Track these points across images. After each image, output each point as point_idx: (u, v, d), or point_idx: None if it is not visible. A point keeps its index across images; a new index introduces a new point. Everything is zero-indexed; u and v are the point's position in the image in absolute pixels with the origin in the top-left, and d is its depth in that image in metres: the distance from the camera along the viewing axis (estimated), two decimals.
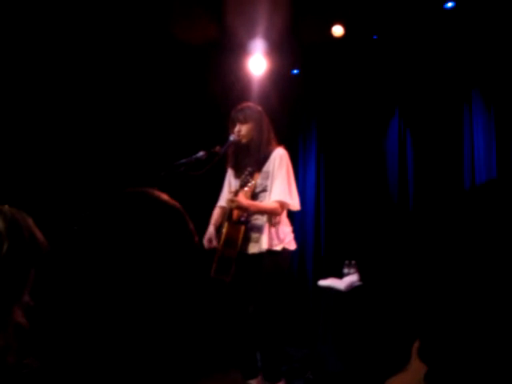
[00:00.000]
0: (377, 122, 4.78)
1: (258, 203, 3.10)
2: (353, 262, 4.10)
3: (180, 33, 4.21)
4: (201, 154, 3.04)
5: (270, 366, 3.16)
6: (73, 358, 0.82)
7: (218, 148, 3.14)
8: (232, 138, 3.23)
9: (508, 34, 3.98)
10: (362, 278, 4.00)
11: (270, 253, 3.13)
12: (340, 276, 4.06)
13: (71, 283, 0.89)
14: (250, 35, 4.55)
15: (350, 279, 4.02)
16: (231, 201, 3.00)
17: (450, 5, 4.18)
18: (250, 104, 3.33)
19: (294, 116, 5.22)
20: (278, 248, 3.15)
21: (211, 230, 3.32)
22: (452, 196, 4.28)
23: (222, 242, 3.12)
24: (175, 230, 0.89)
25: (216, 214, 3.41)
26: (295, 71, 5.16)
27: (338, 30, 4.52)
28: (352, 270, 4.08)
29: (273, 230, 3.15)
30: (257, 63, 4.81)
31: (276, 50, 4.73)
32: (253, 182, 3.00)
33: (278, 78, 4.99)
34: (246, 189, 3.03)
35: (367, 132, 4.82)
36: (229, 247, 3.09)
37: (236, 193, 3.02)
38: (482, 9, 4.08)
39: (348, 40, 4.62)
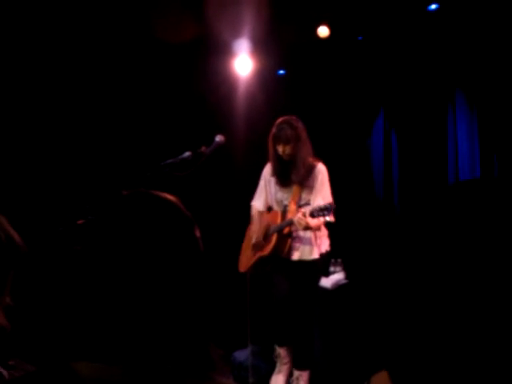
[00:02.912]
0: (362, 122, 4.82)
1: (317, 222, 3.32)
2: (339, 260, 4.14)
3: (164, 33, 4.21)
4: (187, 154, 3.03)
5: (302, 354, 3.53)
6: (73, 358, 0.83)
7: (203, 148, 3.15)
8: (218, 138, 3.24)
9: (491, 35, 4.04)
10: (348, 276, 4.05)
11: (315, 261, 3.48)
12: (326, 274, 4.09)
13: (73, 280, 0.90)
14: (236, 35, 4.56)
15: (336, 277, 4.05)
16: (300, 223, 3.23)
17: (433, 7, 4.23)
18: (291, 120, 3.48)
19: (280, 116, 5.23)
20: (323, 251, 3.52)
21: (257, 227, 3.61)
22: (436, 194, 4.33)
23: (270, 249, 3.45)
24: (181, 236, 0.89)
25: (256, 214, 3.67)
26: (281, 71, 5.18)
27: (323, 31, 4.55)
28: (338, 269, 4.12)
29: (317, 239, 3.48)
30: (243, 63, 4.81)
31: (262, 50, 4.74)
32: (327, 219, 3.17)
33: (264, 78, 5.01)
34: (302, 210, 3.27)
35: (353, 132, 4.86)
36: (274, 255, 3.46)
37: (304, 215, 3.22)
38: (465, 11, 4.13)
39: (333, 41, 4.65)
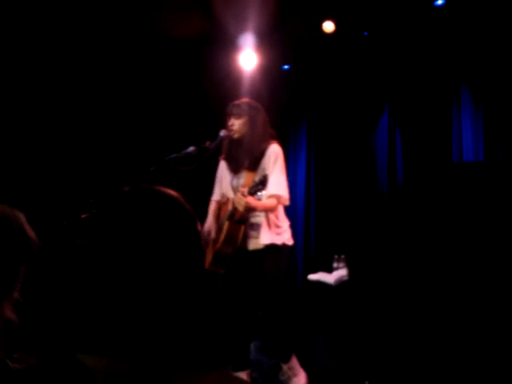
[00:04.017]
0: (367, 118, 4.81)
1: (264, 202, 3.09)
2: (342, 256, 4.13)
3: (169, 28, 4.20)
4: (191, 149, 3.03)
5: (282, 348, 3.30)
6: (71, 352, 0.83)
7: (208, 143, 3.14)
8: (222, 133, 3.24)
9: (496, 30, 4.02)
10: (350, 274, 4.02)
11: (270, 249, 3.19)
12: (329, 270, 4.08)
13: (73, 277, 0.90)
14: (241, 30, 4.55)
15: (340, 273, 4.05)
16: (239, 202, 3.00)
17: (440, 2, 4.21)
18: (247, 99, 3.33)
19: (285, 111, 5.23)
20: (278, 242, 3.21)
21: (211, 221, 3.38)
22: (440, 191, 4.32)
23: (222, 239, 3.17)
24: (182, 231, 0.89)
25: (213, 207, 3.44)
26: (286, 66, 5.16)
27: (328, 26, 4.53)
28: (341, 265, 4.11)
29: (272, 226, 3.20)
30: (247, 58, 4.80)
31: (267, 45, 4.73)
32: (264, 193, 2.96)
33: (269, 73, 4.99)
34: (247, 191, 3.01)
35: (357, 128, 4.84)
36: (228, 245, 3.17)
37: (243, 194, 3.01)
38: (471, 6, 4.12)
39: (339, 36, 4.63)
